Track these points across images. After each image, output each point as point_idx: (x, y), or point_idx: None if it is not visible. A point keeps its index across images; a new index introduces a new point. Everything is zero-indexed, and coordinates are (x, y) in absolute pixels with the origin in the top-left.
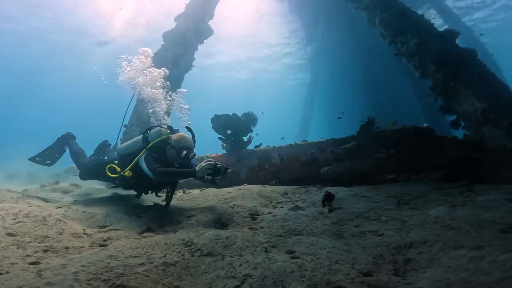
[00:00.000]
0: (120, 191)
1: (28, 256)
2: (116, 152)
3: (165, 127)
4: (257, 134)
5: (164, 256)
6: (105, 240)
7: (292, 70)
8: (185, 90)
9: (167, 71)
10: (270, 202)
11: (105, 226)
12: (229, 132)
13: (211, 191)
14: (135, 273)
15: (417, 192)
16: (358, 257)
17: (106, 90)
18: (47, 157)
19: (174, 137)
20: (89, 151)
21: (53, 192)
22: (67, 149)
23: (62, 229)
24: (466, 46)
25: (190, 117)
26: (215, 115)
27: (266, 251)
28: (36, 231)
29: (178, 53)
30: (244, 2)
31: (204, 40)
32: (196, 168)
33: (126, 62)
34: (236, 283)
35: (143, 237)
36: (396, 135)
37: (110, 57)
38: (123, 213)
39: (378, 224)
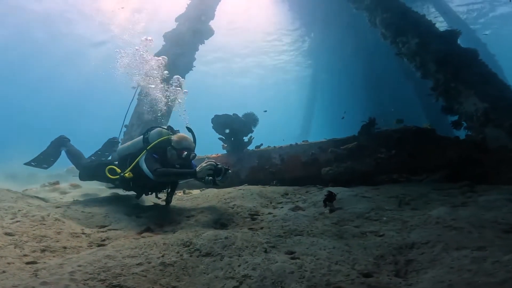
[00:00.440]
0: (120, 192)
1: (25, 255)
2: (116, 153)
3: (166, 127)
4: (251, 136)
5: (162, 256)
6: (103, 240)
7: (293, 70)
8: (183, 79)
9: (166, 58)
10: (270, 203)
11: (104, 226)
12: (227, 131)
13: (211, 192)
14: (133, 273)
15: (418, 193)
16: (359, 258)
17: (105, 90)
18: (42, 161)
19: (174, 137)
20: (87, 152)
21: (53, 192)
22: (64, 152)
23: (61, 229)
24: (467, 47)
25: (191, 118)
26: (216, 115)
27: (265, 251)
28: (34, 230)
29: (178, 53)
30: (245, 3)
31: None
32: (197, 168)
33: (123, 53)
34: (234, 284)
35: (142, 237)
36: (397, 135)
37: (106, 57)
38: (122, 213)
39: (379, 224)
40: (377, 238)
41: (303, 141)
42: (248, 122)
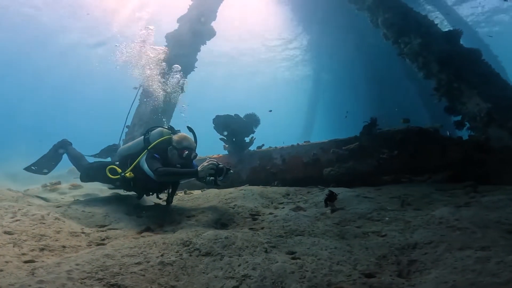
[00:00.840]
0: (121, 192)
1: (23, 254)
2: (117, 154)
3: (167, 127)
4: (252, 137)
5: (162, 255)
6: (103, 240)
7: (294, 71)
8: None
9: (166, 49)
10: (272, 203)
11: (104, 226)
12: (225, 133)
13: (212, 192)
14: (131, 272)
15: (420, 193)
16: (360, 258)
17: (104, 90)
18: (43, 165)
19: (175, 137)
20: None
21: (54, 192)
22: (65, 155)
23: (60, 228)
24: (470, 47)
25: (193, 118)
26: (217, 116)
27: (266, 251)
28: (33, 229)
29: (180, 54)
30: (247, 4)
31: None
32: (198, 168)
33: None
34: (234, 284)
35: (142, 236)
36: (399, 136)
37: (106, 57)
38: (122, 213)
39: (381, 224)
40: (379, 239)
41: (304, 141)
42: (250, 122)
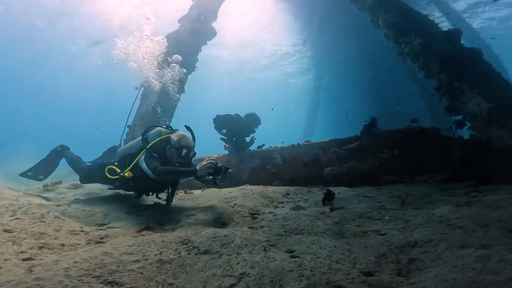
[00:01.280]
0: (121, 192)
1: (22, 252)
2: (116, 155)
3: (165, 126)
4: (253, 137)
5: (160, 253)
6: (102, 238)
7: (296, 72)
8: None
9: (165, 41)
10: (272, 202)
11: (103, 224)
12: (224, 131)
13: (213, 191)
14: (129, 270)
15: (421, 193)
16: (360, 256)
17: (104, 91)
18: (40, 170)
19: (174, 136)
20: (88, 154)
21: (55, 191)
22: (63, 159)
23: (60, 226)
24: (470, 47)
25: (193, 119)
26: (217, 115)
27: (265, 250)
28: (33, 228)
29: (181, 54)
30: (248, 5)
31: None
32: (197, 167)
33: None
34: (232, 282)
35: (141, 235)
36: (400, 136)
37: (105, 56)
38: (122, 211)
39: (381, 223)
40: (379, 237)
41: (305, 141)
42: (250, 122)
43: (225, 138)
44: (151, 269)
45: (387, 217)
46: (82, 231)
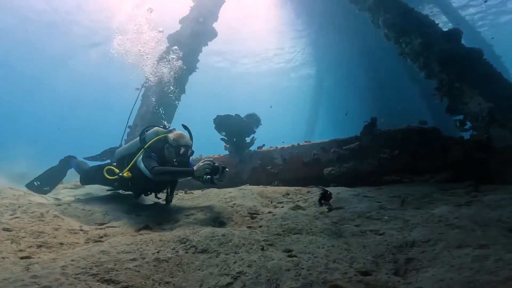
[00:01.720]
0: (121, 192)
1: (20, 250)
2: (115, 155)
3: (162, 126)
4: (253, 137)
5: (158, 252)
6: (101, 237)
7: (297, 73)
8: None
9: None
10: (271, 202)
11: (103, 224)
12: (223, 133)
13: (212, 191)
14: (125, 268)
15: (421, 193)
16: (357, 256)
17: (102, 91)
18: (46, 180)
19: (172, 135)
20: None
21: (56, 191)
22: (72, 168)
23: (59, 225)
24: (471, 47)
25: (198, 119)
26: (217, 116)
27: (262, 249)
28: (32, 226)
29: (182, 54)
30: (250, 6)
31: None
32: (195, 167)
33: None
34: (228, 280)
35: (140, 234)
36: (400, 136)
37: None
38: (122, 211)
39: (380, 223)
40: (377, 237)
41: (305, 141)
42: (250, 123)
43: (225, 138)
44: (148, 268)
45: (386, 217)
46: (81, 230)
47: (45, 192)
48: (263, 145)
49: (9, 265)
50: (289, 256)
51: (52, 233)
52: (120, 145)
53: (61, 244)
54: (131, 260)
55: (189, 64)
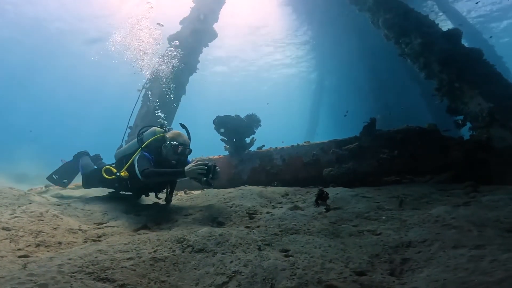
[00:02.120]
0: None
1: (19, 249)
2: (114, 156)
3: (159, 126)
4: (253, 138)
5: (154, 251)
6: (99, 237)
7: (298, 74)
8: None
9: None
10: (270, 203)
11: (102, 223)
12: (222, 131)
13: (212, 192)
14: (121, 267)
15: (420, 193)
16: (353, 256)
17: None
18: (64, 174)
19: (170, 134)
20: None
21: (57, 191)
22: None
23: (58, 225)
24: (471, 47)
25: (195, 120)
26: (217, 116)
27: (259, 249)
28: (31, 226)
29: (182, 55)
30: (251, 7)
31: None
32: (185, 168)
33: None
34: (224, 280)
35: (138, 233)
36: (400, 136)
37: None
38: (121, 211)
39: (377, 223)
40: (374, 237)
41: (305, 142)
42: (250, 123)
43: (225, 139)
44: (144, 267)
45: (383, 217)
46: (79, 229)
47: (65, 185)
48: (263, 145)
49: (7, 263)
50: (286, 256)
51: (50, 232)
52: (121, 146)
53: (60, 243)
54: (127, 259)
55: (190, 64)
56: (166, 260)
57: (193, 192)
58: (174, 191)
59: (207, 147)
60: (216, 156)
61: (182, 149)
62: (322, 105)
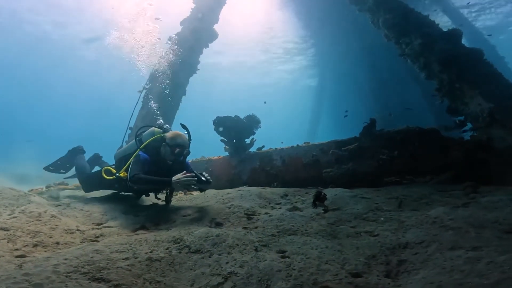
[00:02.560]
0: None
1: (16, 249)
2: (114, 157)
3: (158, 126)
4: (253, 138)
5: (151, 252)
6: (97, 237)
7: (299, 74)
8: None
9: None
10: (269, 203)
11: (100, 224)
12: (220, 129)
13: (211, 192)
14: (117, 267)
15: (419, 194)
16: (350, 257)
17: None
18: (60, 166)
19: (169, 134)
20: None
21: (58, 192)
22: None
23: (56, 225)
24: (471, 47)
25: (196, 120)
26: (217, 117)
27: (256, 250)
28: (29, 226)
29: (183, 56)
30: (252, 7)
31: (209, 44)
32: (173, 178)
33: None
34: (219, 280)
35: (136, 234)
36: (400, 136)
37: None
38: (120, 211)
39: (375, 224)
40: (371, 238)
41: (304, 142)
42: (250, 124)
43: (225, 140)
44: (140, 267)
45: (382, 219)
46: (77, 230)
47: (63, 173)
48: (263, 146)
49: (4, 263)
50: (282, 257)
51: (48, 232)
52: (121, 146)
53: (57, 243)
54: (123, 259)
55: (190, 65)
56: (162, 260)
57: (192, 193)
58: (174, 192)
59: (212, 147)
60: (216, 157)
61: (179, 150)
62: (323, 106)
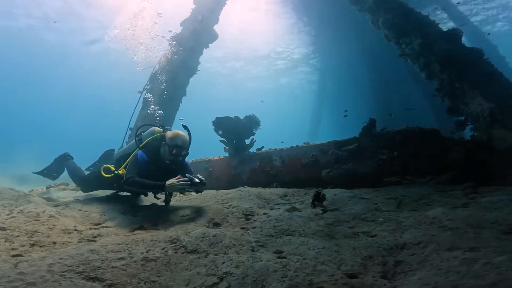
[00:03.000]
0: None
1: (13, 249)
2: (113, 157)
3: (158, 126)
4: (253, 139)
5: (147, 251)
6: (95, 237)
7: (300, 75)
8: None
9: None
10: (268, 204)
11: (98, 224)
12: (220, 132)
13: (210, 193)
14: (112, 267)
15: (419, 194)
16: (346, 258)
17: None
18: (46, 175)
19: (169, 134)
20: (86, 159)
21: (58, 192)
22: (65, 169)
23: (54, 225)
24: (471, 47)
25: (197, 120)
26: (216, 118)
27: (252, 250)
28: (27, 226)
29: (183, 57)
30: (252, 8)
31: (210, 44)
32: (167, 183)
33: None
34: (214, 281)
35: (133, 234)
36: (400, 136)
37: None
38: (119, 211)
39: (374, 225)
40: (369, 239)
41: (304, 143)
42: (250, 124)
43: (225, 140)
44: (135, 267)
45: (380, 219)
46: (75, 230)
47: (55, 178)
48: (263, 146)
49: (0, 262)
50: (279, 257)
51: (46, 232)
52: (121, 147)
53: (54, 243)
54: (119, 259)
55: (190, 66)
56: (158, 260)
57: (192, 193)
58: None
59: (207, 147)
60: (215, 158)
61: (177, 151)
62: (324, 106)
